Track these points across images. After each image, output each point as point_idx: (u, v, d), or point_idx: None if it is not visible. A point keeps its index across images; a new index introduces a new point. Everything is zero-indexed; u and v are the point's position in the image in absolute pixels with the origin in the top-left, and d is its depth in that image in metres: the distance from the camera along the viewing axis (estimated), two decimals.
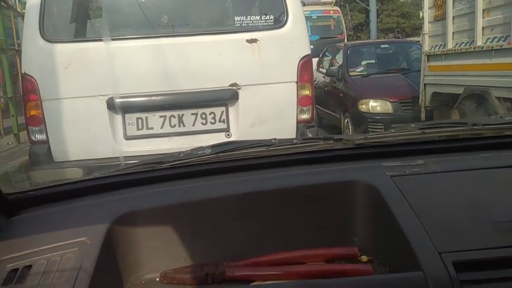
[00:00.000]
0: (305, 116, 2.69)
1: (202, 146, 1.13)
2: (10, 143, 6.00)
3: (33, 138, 2.51)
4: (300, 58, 2.66)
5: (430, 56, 4.91)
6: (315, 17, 10.60)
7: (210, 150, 1.09)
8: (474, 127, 1.10)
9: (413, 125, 1.12)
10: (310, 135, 2.65)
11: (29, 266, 0.75)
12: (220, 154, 1.08)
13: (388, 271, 0.86)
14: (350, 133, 5.20)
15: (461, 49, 4.32)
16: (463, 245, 0.74)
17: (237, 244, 0.94)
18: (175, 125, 2.60)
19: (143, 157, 2.49)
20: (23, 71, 2.54)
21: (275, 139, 1.14)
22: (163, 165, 1.06)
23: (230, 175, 1.04)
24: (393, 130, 1.16)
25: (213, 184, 1.00)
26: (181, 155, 1.11)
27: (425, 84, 4.92)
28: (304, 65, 2.67)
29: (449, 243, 0.75)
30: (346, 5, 15.05)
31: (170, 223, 0.91)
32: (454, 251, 0.73)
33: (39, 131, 2.50)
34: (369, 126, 4.89)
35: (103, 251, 0.79)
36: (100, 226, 0.84)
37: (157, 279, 0.90)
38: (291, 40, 2.67)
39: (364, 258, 0.92)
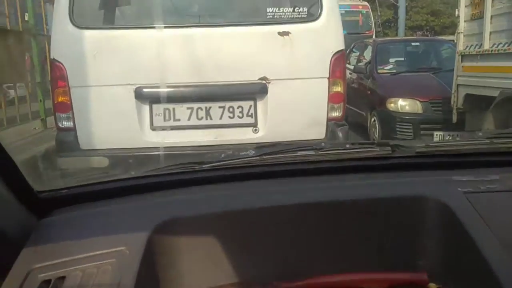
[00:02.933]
0: (336, 114, 2.60)
1: (245, 147, 1.07)
2: (37, 128, 6.08)
3: (60, 125, 2.50)
4: (333, 53, 2.56)
5: (464, 56, 4.71)
6: (343, 11, 10.25)
7: (254, 152, 1.02)
8: None
9: (480, 134, 1.02)
10: (340, 135, 2.56)
11: (63, 278, 0.69)
12: (264, 157, 1.00)
13: None
14: (377, 133, 5.06)
15: (498, 50, 4.11)
16: None
17: (287, 262, 0.86)
18: (202, 117, 2.55)
19: (169, 149, 2.47)
20: (51, 57, 2.53)
21: (325, 142, 1.06)
22: (204, 166, 0.99)
23: (276, 181, 0.96)
24: (458, 138, 1.05)
25: (260, 192, 0.92)
26: (223, 155, 1.05)
27: (458, 85, 4.73)
28: (337, 60, 2.58)
29: None
30: (375, 0, 14.71)
31: (214, 233, 0.84)
32: None
33: (66, 118, 2.48)
34: (397, 126, 4.74)
35: (143, 263, 0.72)
36: (139, 234, 0.78)
37: None
38: (325, 34, 2.57)
39: (433, 286, 0.81)
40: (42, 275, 0.69)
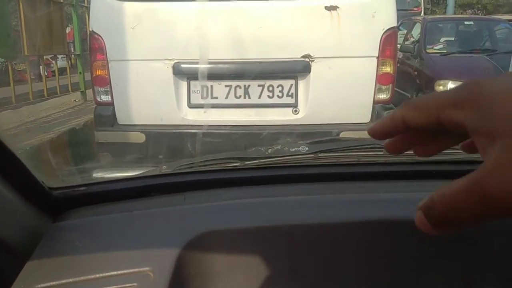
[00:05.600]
0: (383, 96, 2.43)
1: (296, 142, 0.89)
2: (76, 100, 6.22)
3: (99, 99, 2.48)
4: (384, 30, 2.37)
5: None
6: None
7: (307, 148, 0.86)
8: None
9: None
10: None
11: None
12: (320, 155, 0.84)
13: None
14: None
15: None
16: None
17: None
18: (240, 96, 2.45)
19: (207, 127, 2.39)
20: (90, 29, 2.49)
21: None
22: (247, 163, 0.85)
23: (335, 186, 0.80)
24: None
25: (318, 201, 0.75)
26: (269, 151, 0.88)
27: None
28: (388, 38, 2.38)
29: None
30: None
31: (258, 251, 0.68)
32: None
33: (104, 92, 2.46)
34: None
35: None
36: (167, 251, 0.64)
37: None
38: (376, 10, 2.37)
39: None
40: None
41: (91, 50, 2.49)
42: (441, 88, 4.62)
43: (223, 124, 2.41)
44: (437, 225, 0.28)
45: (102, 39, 2.40)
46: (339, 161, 0.85)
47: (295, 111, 2.45)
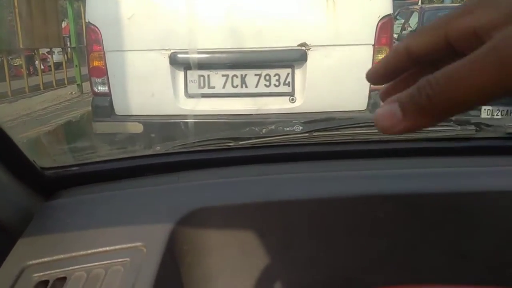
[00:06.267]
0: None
1: (290, 121, 0.89)
2: (73, 92, 6.21)
3: (96, 90, 2.49)
4: (380, 18, 2.37)
5: None
6: None
7: (301, 128, 0.86)
8: None
9: None
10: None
11: (63, 279, 0.56)
12: (315, 134, 0.84)
13: None
14: None
15: None
16: None
17: (343, 267, 0.70)
18: (237, 85, 2.46)
19: (204, 117, 2.40)
20: (87, 20, 2.49)
21: None
22: (241, 143, 0.84)
23: (330, 164, 0.79)
24: None
25: (311, 178, 0.75)
26: (263, 130, 0.88)
27: None
28: (384, 26, 2.38)
29: None
30: None
31: (252, 227, 0.69)
32: None
33: (101, 83, 2.46)
34: None
35: (163, 264, 0.58)
36: (160, 226, 0.63)
37: None
38: None
39: None
40: (38, 274, 0.57)
41: (88, 41, 2.48)
42: None
43: (221, 113, 2.42)
44: (425, 112, 0.24)
45: (99, 30, 2.40)
46: (333, 140, 0.85)
47: (292, 99, 2.46)
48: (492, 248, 0.70)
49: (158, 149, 0.86)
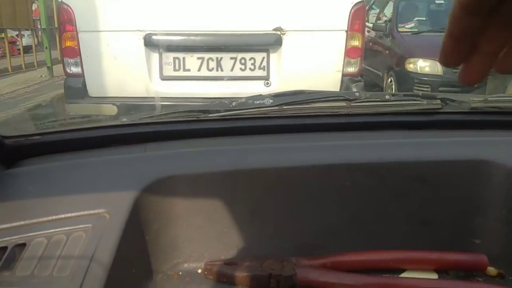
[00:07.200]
0: (352, 70, 2.49)
1: (260, 95, 0.88)
2: (43, 76, 6.02)
3: (68, 71, 2.45)
4: (353, 4, 2.41)
5: None
6: None
7: (271, 101, 0.85)
8: None
9: None
10: (355, 91, 2.46)
11: (22, 245, 0.54)
12: (285, 107, 0.84)
13: None
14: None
15: None
16: None
17: (307, 234, 0.71)
18: (212, 68, 2.47)
19: (179, 100, 2.40)
20: (59, 0, 2.43)
21: (359, 92, 0.88)
22: (210, 115, 0.83)
23: (299, 137, 0.80)
24: None
25: (279, 148, 0.75)
26: (233, 103, 0.86)
27: None
28: (357, 12, 2.43)
29: None
30: None
31: (219, 195, 0.69)
32: None
33: (74, 63, 2.42)
34: (415, 88, 4.58)
35: (127, 231, 0.57)
36: (125, 194, 0.62)
37: (199, 271, 0.68)
38: None
39: (492, 270, 0.67)
40: None
41: (60, 21, 2.43)
42: (411, 66, 4.74)
43: (196, 96, 2.43)
44: None
45: (71, 9, 2.35)
46: (303, 113, 0.85)
47: (267, 83, 2.49)
48: (453, 216, 0.72)
49: (124, 120, 0.84)
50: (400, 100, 0.88)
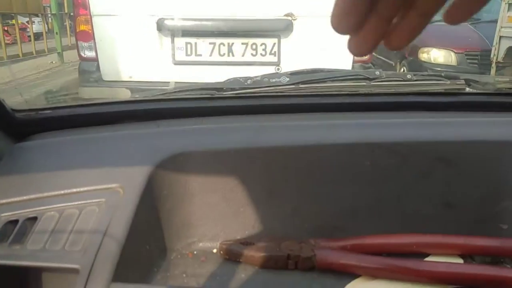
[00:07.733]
0: (362, 56, 2.49)
1: (277, 73, 0.86)
2: (53, 62, 6.04)
3: (83, 55, 2.49)
4: None
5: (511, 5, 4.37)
6: None
7: (288, 79, 0.83)
8: None
9: None
10: (375, 69, 2.46)
11: (34, 219, 0.53)
12: (302, 86, 0.82)
13: None
14: None
15: None
16: None
17: (326, 215, 0.67)
18: (224, 53, 2.48)
19: (191, 84, 2.42)
20: None
21: (379, 71, 0.84)
22: (225, 93, 0.81)
23: (316, 116, 0.76)
24: None
25: (296, 126, 0.72)
26: (249, 81, 0.84)
27: (500, 37, 4.42)
28: None
29: None
30: None
31: (234, 173, 0.66)
32: None
33: (88, 47, 2.46)
34: None
35: (141, 206, 0.56)
36: (139, 169, 0.60)
37: (214, 250, 0.66)
38: None
39: None
40: (7, 214, 0.54)
41: (75, 4, 2.47)
42: (424, 55, 4.69)
43: (207, 82, 2.45)
44: None
45: None
46: (319, 92, 0.82)
47: (278, 69, 2.50)
48: (478, 199, 0.69)
49: (137, 96, 0.83)
50: (423, 80, 0.84)
